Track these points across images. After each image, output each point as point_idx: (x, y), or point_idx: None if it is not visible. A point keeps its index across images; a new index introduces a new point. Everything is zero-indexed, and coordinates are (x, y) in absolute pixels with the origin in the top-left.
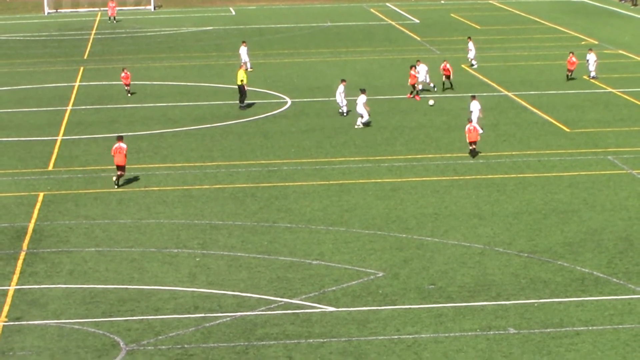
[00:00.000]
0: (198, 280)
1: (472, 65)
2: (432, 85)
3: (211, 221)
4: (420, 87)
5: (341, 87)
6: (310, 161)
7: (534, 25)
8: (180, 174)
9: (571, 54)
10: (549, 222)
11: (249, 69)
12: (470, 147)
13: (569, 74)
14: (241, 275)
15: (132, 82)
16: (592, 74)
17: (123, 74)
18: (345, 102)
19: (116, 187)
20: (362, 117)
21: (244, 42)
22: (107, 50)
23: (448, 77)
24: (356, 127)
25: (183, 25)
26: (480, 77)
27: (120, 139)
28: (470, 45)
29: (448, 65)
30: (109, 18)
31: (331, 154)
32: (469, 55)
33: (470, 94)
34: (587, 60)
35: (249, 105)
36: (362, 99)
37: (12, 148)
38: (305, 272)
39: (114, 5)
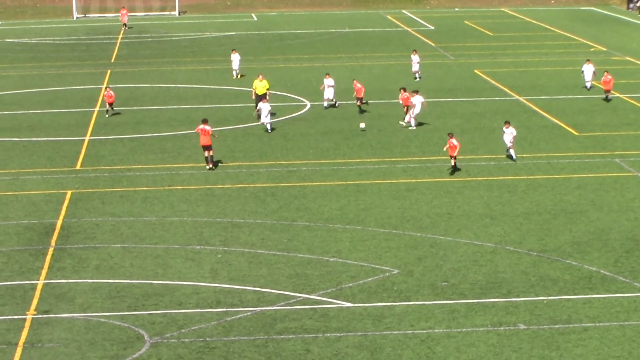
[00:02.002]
0: (220, 276)
1: (415, 78)
2: (336, 103)
3: (232, 219)
4: (325, 104)
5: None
6: (328, 162)
7: (544, 32)
8: (203, 173)
9: (606, 73)
10: (558, 222)
11: (234, 77)
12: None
13: (607, 94)
14: (261, 272)
15: (157, 85)
16: (588, 84)
17: (106, 93)
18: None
19: (208, 168)
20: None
21: (234, 50)
22: (134, 54)
23: (360, 99)
24: (413, 128)
25: (206, 31)
26: (493, 81)
27: (205, 121)
28: (415, 58)
29: (359, 85)
30: (123, 25)
31: (348, 155)
32: (412, 69)
33: (505, 121)
34: (583, 71)
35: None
36: (419, 99)
37: (41, 148)
38: (323, 268)
39: (125, 12)
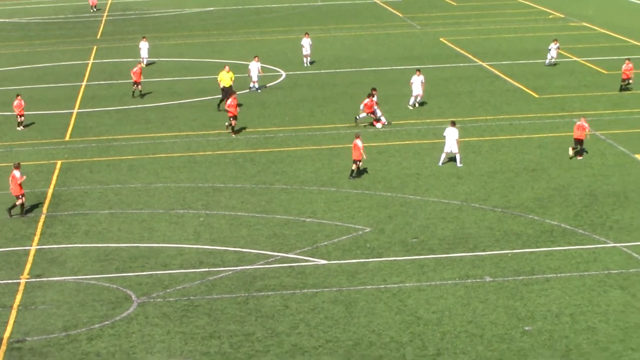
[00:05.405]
0: (202, 238)
1: (306, 64)
2: (253, 86)
3: (214, 184)
4: (254, 85)
5: None
6: (303, 128)
7: (505, 1)
8: (185, 141)
9: (627, 61)
10: (521, 179)
11: (144, 66)
12: (354, 167)
13: (624, 84)
14: (241, 233)
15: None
16: (547, 61)
17: (16, 103)
18: None
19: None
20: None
21: (144, 37)
22: (118, 31)
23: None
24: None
25: (187, 7)
26: (457, 49)
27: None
28: (306, 41)
29: (137, 69)
30: (91, 7)
31: (322, 122)
32: (303, 52)
33: (450, 120)
34: (550, 49)
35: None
36: (420, 78)
37: (32, 121)
38: (300, 228)
39: None
